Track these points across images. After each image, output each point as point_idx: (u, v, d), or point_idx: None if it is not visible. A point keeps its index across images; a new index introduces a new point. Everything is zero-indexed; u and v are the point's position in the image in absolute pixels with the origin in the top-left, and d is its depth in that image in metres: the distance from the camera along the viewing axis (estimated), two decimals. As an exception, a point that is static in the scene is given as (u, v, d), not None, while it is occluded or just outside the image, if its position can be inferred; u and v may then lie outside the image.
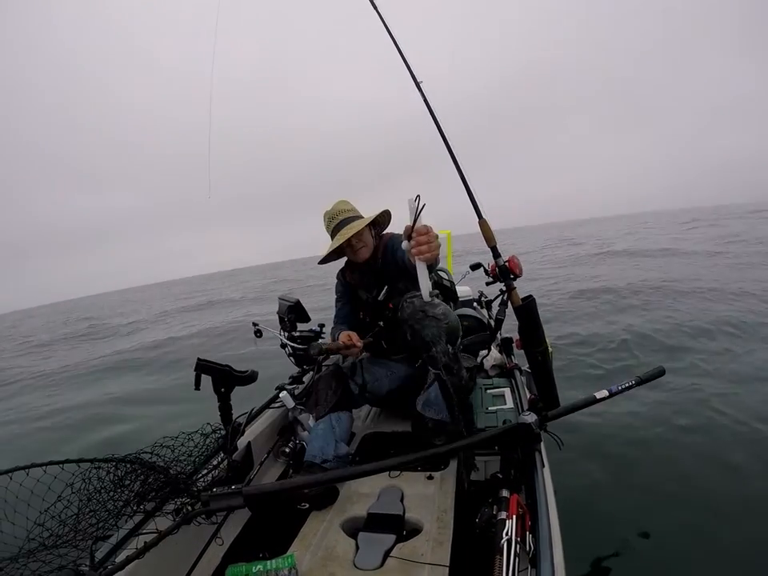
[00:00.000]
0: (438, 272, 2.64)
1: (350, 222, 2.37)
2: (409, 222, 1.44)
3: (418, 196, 1.38)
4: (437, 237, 1.50)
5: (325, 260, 2.57)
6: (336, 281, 2.78)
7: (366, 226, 2.39)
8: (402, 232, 2.51)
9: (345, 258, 2.64)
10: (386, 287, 2.46)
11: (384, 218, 2.57)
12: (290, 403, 2.38)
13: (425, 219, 1.45)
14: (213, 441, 1.85)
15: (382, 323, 2.47)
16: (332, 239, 2.43)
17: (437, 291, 1.55)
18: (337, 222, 2.39)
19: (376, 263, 2.49)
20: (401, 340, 2.45)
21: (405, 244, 1.44)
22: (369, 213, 2.52)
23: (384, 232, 2.63)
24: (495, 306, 3.26)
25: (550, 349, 1.92)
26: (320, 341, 2.84)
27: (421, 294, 1.55)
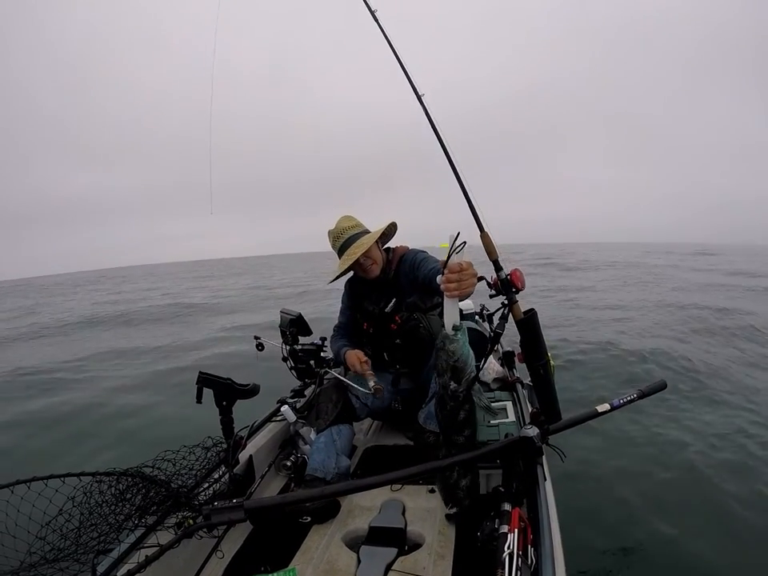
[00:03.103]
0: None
1: (356, 240, 2.34)
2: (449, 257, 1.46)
3: (458, 233, 1.40)
4: (474, 275, 1.51)
5: (335, 279, 2.56)
6: (343, 290, 2.76)
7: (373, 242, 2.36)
8: (411, 246, 2.50)
9: None
10: (394, 300, 2.44)
11: (390, 229, 2.54)
12: (292, 417, 2.37)
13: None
14: (214, 454, 1.84)
15: (398, 341, 2.46)
16: (339, 256, 2.41)
17: (462, 327, 1.57)
18: (343, 240, 2.35)
19: (387, 276, 2.48)
20: (405, 353, 2.45)
21: (439, 278, 1.47)
22: (372, 225, 2.50)
23: (395, 245, 2.61)
24: (496, 319, 3.27)
25: (551, 362, 1.93)
26: (322, 354, 2.85)
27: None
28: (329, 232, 2.44)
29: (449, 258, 1.42)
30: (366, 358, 2.42)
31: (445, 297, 1.49)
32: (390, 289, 2.47)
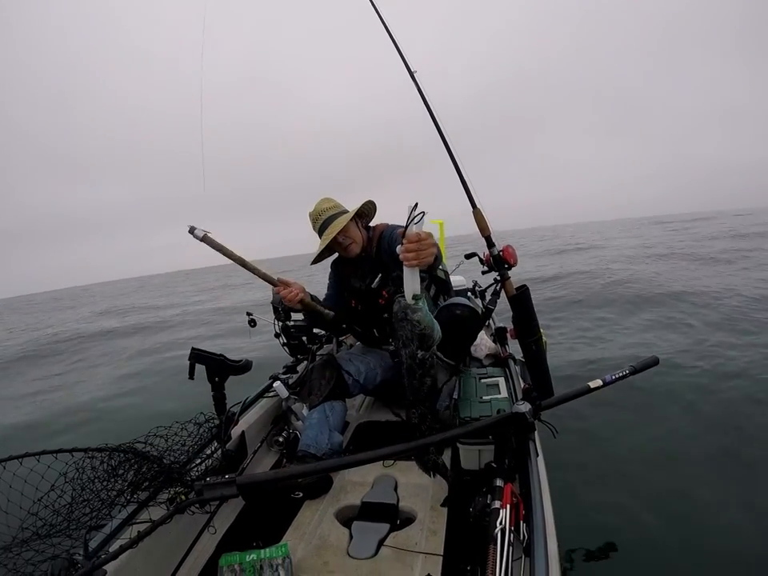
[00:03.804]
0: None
1: (334, 220, 2.35)
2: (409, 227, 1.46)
3: (416, 204, 1.39)
4: (433, 245, 1.50)
5: (317, 260, 2.56)
6: (330, 267, 2.77)
7: (350, 220, 2.37)
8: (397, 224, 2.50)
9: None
10: (380, 275, 2.45)
11: (369, 208, 2.55)
12: (284, 393, 2.37)
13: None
14: (206, 430, 1.84)
15: (387, 315, 2.47)
16: (319, 237, 2.42)
17: (422, 295, 1.56)
18: (321, 221, 2.37)
19: (369, 253, 2.49)
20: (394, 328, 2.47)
21: (398, 248, 1.46)
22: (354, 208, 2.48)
23: (376, 223, 2.62)
24: (489, 295, 3.27)
25: (543, 338, 1.93)
26: (314, 331, 2.84)
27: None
28: (309, 214, 2.44)
29: (407, 228, 1.41)
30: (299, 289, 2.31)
31: (404, 266, 1.48)
32: (374, 265, 2.48)
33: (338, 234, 2.31)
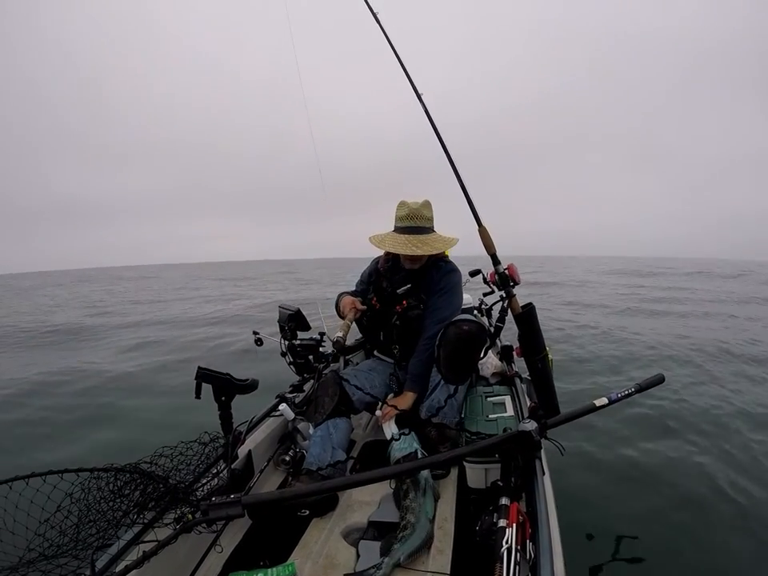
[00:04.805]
0: None
1: (422, 233, 2.41)
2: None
3: None
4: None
5: (376, 242, 2.56)
6: (371, 262, 2.85)
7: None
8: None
9: None
10: (410, 285, 2.51)
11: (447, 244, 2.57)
12: (290, 415, 2.36)
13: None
14: (212, 449, 1.84)
15: (398, 322, 2.51)
16: (395, 227, 2.48)
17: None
18: (413, 224, 2.42)
19: (416, 268, 2.55)
20: (399, 337, 2.50)
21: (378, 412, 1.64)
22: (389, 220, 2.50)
23: None
24: (495, 313, 3.26)
25: (549, 356, 1.92)
26: (320, 349, 2.85)
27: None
28: (404, 203, 2.48)
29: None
30: (361, 306, 2.51)
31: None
32: (410, 277, 2.54)
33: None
